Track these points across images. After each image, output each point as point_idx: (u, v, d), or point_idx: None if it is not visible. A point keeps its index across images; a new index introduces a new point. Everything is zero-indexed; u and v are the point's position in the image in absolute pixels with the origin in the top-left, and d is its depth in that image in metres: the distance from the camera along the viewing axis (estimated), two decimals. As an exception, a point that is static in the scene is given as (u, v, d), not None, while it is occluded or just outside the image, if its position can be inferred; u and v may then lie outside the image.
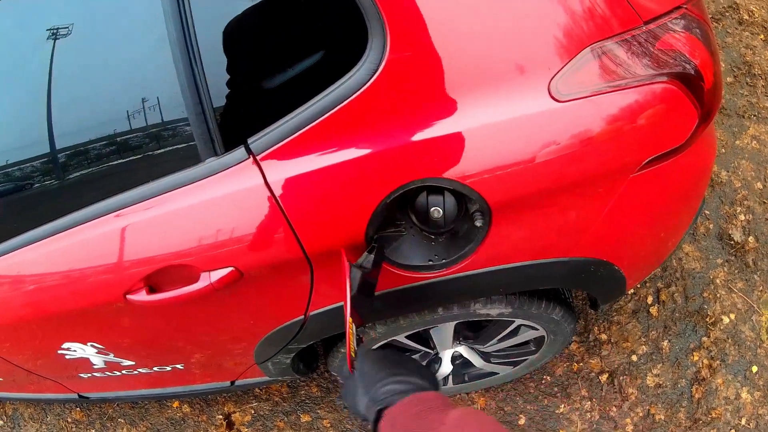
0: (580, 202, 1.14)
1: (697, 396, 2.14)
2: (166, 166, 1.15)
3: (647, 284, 2.30)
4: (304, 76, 1.08)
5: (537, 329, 1.65)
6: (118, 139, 1.16)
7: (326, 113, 1.02)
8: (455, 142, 1.02)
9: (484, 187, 1.06)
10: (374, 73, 0.99)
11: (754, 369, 2.16)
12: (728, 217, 2.38)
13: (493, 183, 1.05)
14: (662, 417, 2.13)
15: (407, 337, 1.64)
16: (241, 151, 1.08)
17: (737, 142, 2.51)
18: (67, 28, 1.13)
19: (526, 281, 1.32)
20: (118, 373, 1.71)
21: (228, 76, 1.09)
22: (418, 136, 1.02)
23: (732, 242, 2.33)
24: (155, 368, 1.67)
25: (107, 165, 1.19)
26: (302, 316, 1.32)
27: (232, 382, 1.82)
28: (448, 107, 1.01)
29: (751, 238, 2.33)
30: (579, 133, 1.02)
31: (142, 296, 1.22)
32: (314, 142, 1.04)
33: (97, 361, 1.61)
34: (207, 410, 2.33)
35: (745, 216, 2.38)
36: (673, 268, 2.30)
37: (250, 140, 1.07)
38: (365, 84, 1.00)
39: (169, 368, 1.67)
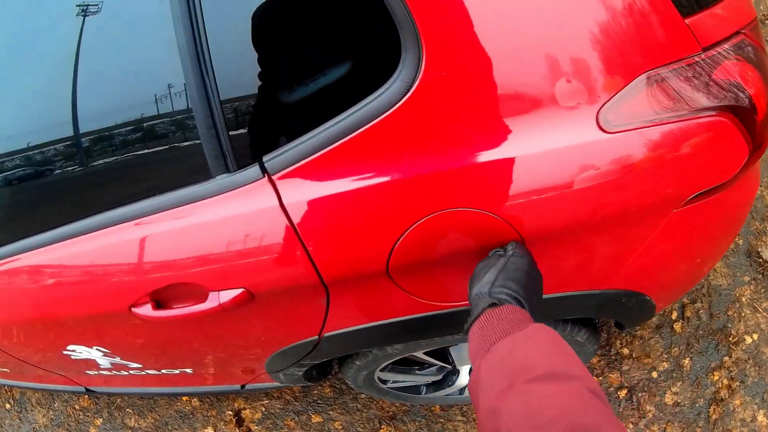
0: (619, 235, 1.06)
1: (714, 417, 2.08)
2: (178, 179, 1.08)
3: (672, 300, 2.23)
4: (327, 91, 0.99)
5: (559, 351, 1.58)
6: (130, 145, 1.10)
7: (350, 134, 0.95)
8: (489, 172, 0.94)
9: (520, 218, 0.98)
10: (406, 92, 0.91)
11: (773, 391, 2.09)
12: (758, 234, 2.28)
13: (529, 215, 0.98)
14: (678, 436, 2.07)
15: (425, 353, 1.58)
16: (255, 170, 1.01)
17: (773, 154, 2.40)
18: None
19: (555, 312, 1.26)
20: (125, 373, 1.67)
21: (244, 88, 1.02)
22: (451, 164, 0.94)
23: (760, 260, 2.24)
24: (163, 371, 1.63)
25: (121, 169, 1.13)
26: (316, 336, 1.26)
27: (243, 386, 1.78)
28: (483, 135, 0.93)
29: (780, 256, 2.23)
30: (624, 166, 0.93)
31: (147, 311, 1.18)
32: (335, 165, 0.97)
33: (104, 362, 1.58)
34: (217, 405, 2.29)
35: (776, 232, 2.28)
36: (700, 284, 2.22)
37: (265, 158, 1.00)
38: (395, 104, 0.92)
39: (177, 371, 1.63)
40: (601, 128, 0.91)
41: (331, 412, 2.24)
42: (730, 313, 2.19)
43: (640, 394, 2.13)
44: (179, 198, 1.06)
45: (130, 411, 2.35)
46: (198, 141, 1.01)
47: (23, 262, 1.25)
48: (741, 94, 0.94)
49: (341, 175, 0.97)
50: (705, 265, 1.39)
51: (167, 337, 1.34)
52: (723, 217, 1.16)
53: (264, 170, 1.00)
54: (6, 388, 2.49)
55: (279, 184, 0.99)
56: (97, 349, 1.47)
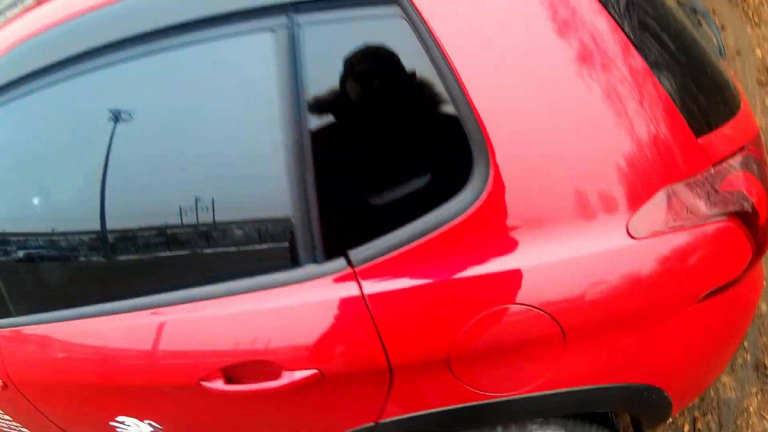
0: (643, 331, 1.20)
1: None
2: (264, 264, 1.22)
3: (684, 413, 2.29)
4: (410, 196, 1.15)
5: (583, 452, 1.65)
6: (231, 231, 1.24)
7: (425, 236, 1.11)
8: (540, 273, 1.11)
9: (564, 314, 1.13)
10: (475, 200, 1.08)
11: (778, 499, 2.13)
12: (765, 348, 2.40)
13: (572, 311, 1.13)
14: None
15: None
16: (341, 262, 1.16)
17: (776, 272, 2.56)
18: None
19: (585, 404, 1.35)
20: (168, 454, 1.70)
21: (336, 188, 1.18)
22: (507, 265, 1.11)
23: (767, 372, 2.34)
24: (210, 453, 1.67)
25: (216, 252, 1.25)
26: (374, 423, 1.35)
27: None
28: (536, 240, 1.10)
29: (785, 369, 2.34)
30: (648, 268, 1.11)
31: (218, 385, 1.26)
32: (411, 261, 1.12)
33: (150, 440, 1.62)
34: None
35: (781, 347, 2.40)
36: (710, 398, 2.31)
37: (351, 252, 1.15)
38: (466, 210, 1.09)
39: (223, 455, 1.66)
40: (630, 236, 1.09)
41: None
42: (738, 422, 2.27)
43: (655, 506, 2.15)
44: (268, 282, 1.20)
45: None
46: (291, 232, 1.17)
47: (97, 326, 1.34)
48: (745, 203, 1.13)
49: (416, 270, 1.13)
50: (716, 367, 1.50)
51: (226, 415, 1.41)
52: (731, 314, 1.30)
53: (349, 262, 1.15)
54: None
55: (360, 276, 1.14)
56: (148, 424, 1.52)
